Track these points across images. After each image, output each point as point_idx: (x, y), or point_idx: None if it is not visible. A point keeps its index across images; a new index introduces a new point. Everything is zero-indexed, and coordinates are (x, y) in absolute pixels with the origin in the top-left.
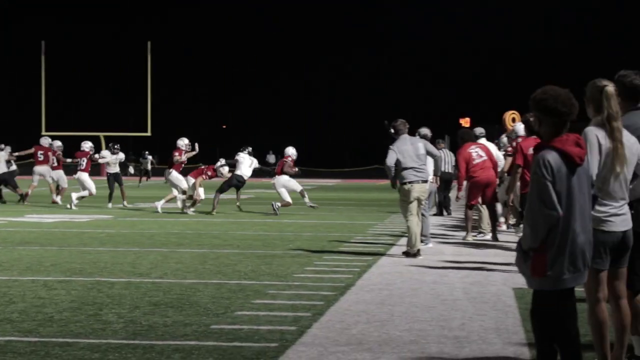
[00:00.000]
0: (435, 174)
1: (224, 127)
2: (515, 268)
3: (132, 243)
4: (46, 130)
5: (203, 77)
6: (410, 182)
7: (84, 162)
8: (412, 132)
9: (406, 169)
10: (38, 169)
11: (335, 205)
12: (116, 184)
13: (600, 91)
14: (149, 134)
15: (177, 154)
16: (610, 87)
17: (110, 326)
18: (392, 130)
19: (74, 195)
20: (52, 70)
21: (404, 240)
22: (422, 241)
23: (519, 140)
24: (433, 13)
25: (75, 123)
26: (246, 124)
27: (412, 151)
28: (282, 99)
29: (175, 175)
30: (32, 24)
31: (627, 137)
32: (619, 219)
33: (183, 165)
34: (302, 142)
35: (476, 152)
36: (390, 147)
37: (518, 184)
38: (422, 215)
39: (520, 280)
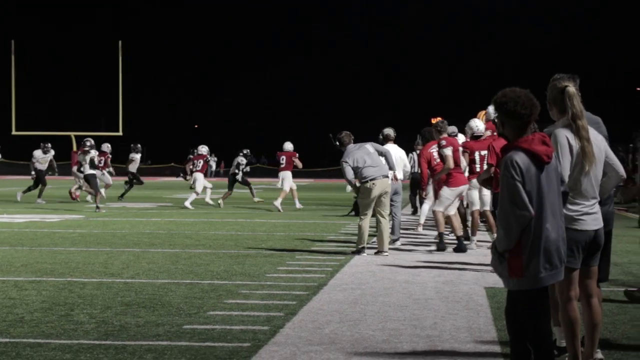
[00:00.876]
0: (391, 169)
1: (196, 126)
2: (487, 267)
3: (103, 243)
4: (16, 130)
5: (175, 77)
6: (371, 180)
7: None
8: (377, 133)
9: (364, 168)
10: (97, 172)
11: (308, 204)
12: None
13: (562, 91)
14: (120, 133)
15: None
16: (571, 87)
17: (82, 326)
18: (338, 143)
19: (103, 191)
20: (22, 70)
21: (376, 240)
22: (392, 240)
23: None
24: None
25: (46, 123)
26: (219, 123)
27: (363, 154)
28: (256, 98)
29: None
30: (1, 23)
31: (594, 135)
32: (591, 218)
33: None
34: (277, 141)
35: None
36: (343, 160)
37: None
38: (394, 215)
39: (491, 280)
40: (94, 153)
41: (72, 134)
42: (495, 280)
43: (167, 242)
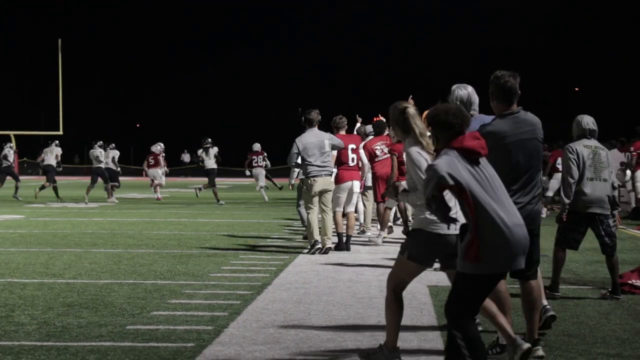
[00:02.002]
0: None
1: (138, 125)
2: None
3: (44, 243)
4: None
5: (115, 75)
6: (313, 177)
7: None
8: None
9: (310, 164)
10: (150, 171)
11: (251, 204)
12: None
13: (403, 112)
14: (60, 132)
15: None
16: (411, 108)
17: (23, 328)
18: (303, 120)
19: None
20: None
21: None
22: (362, 231)
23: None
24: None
25: None
26: (160, 122)
27: (317, 147)
28: (196, 96)
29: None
30: None
31: None
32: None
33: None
34: (220, 140)
35: (381, 148)
36: (295, 141)
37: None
38: (364, 204)
39: (434, 278)
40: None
41: (11, 132)
42: (438, 279)
43: (109, 242)
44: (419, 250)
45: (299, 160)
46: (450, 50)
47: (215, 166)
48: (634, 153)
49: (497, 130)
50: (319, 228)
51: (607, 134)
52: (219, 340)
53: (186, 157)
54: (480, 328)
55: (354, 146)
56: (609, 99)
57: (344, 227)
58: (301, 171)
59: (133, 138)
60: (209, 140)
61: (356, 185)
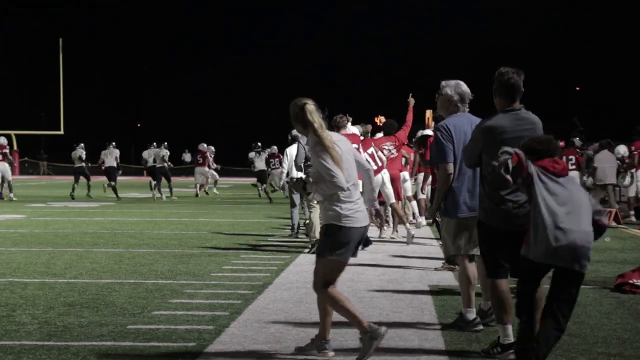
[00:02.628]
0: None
1: (139, 125)
2: (430, 265)
3: (45, 243)
4: None
5: (116, 75)
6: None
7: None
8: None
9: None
10: (198, 169)
11: (252, 204)
12: None
13: (302, 108)
14: (61, 132)
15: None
16: (310, 105)
17: (24, 327)
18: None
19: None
20: None
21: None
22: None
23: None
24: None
25: None
26: (162, 122)
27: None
28: (196, 96)
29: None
30: None
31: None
32: (362, 215)
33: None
34: (219, 140)
35: (389, 148)
36: (300, 142)
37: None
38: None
39: (435, 278)
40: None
41: (12, 132)
42: (439, 279)
43: (110, 242)
44: (333, 244)
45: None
46: (450, 50)
47: (264, 168)
48: (635, 152)
49: (497, 125)
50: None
51: (607, 133)
52: (220, 339)
53: (187, 157)
54: (480, 327)
55: (356, 146)
56: (610, 99)
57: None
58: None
59: (134, 138)
60: (259, 144)
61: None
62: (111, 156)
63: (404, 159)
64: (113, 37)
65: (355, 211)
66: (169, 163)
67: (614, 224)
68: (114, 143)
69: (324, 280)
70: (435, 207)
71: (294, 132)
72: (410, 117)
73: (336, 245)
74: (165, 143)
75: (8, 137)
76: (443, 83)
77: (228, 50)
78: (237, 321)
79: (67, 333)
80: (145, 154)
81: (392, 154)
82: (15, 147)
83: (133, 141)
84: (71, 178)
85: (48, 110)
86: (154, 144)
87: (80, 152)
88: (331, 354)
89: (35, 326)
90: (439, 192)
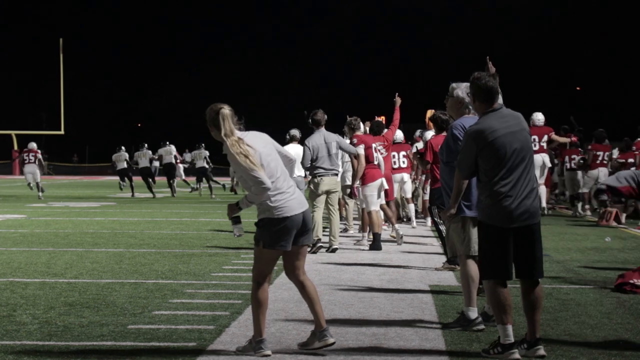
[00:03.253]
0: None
1: (139, 125)
2: (430, 265)
3: (46, 243)
4: None
5: (117, 75)
6: (320, 176)
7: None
8: (284, 132)
9: (317, 164)
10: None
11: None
12: None
13: (217, 113)
14: (62, 132)
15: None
16: (226, 109)
17: (25, 327)
18: (310, 121)
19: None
20: None
21: (324, 239)
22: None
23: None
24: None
25: None
26: (162, 122)
27: (324, 147)
28: (198, 96)
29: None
30: None
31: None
32: (295, 203)
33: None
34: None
35: (379, 149)
36: (305, 142)
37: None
38: (346, 203)
39: (436, 278)
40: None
41: (12, 132)
42: (439, 278)
43: (110, 242)
44: (269, 236)
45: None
46: (451, 50)
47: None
48: (637, 152)
49: (487, 127)
50: (328, 228)
51: (608, 133)
52: (221, 339)
53: (187, 157)
54: (482, 327)
55: (376, 145)
56: (611, 99)
57: (367, 225)
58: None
59: (135, 138)
60: None
61: (384, 182)
62: (145, 158)
63: (405, 160)
64: (114, 36)
65: (287, 200)
66: (211, 164)
67: (614, 224)
68: (146, 144)
69: (257, 271)
70: (452, 206)
71: (292, 131)
72: (397, 116)
73: (269, 236)
74: (203, 144)
75: (8, 137)
76: (454, 85)
77: (230, 49)
78: (238, 321)
79: (67, 333)
80: (138, 154)
81: (382, 154)
82: (15, 147)
83: (134, 141)
84: (72, 178)
85: (48, 110)
86: (167, 142)
87: (125, 155)
88: (332, 340)
89: (35, 326)
90: (457, 191)
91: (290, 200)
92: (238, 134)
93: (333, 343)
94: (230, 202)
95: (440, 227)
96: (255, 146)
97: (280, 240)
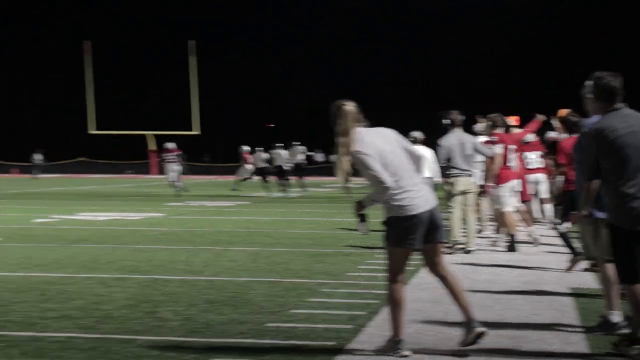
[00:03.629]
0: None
1: (271, 125)
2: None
3: (184, 241)
4: (93, 130)
5: (255, 76)
6: (454, 176)
7: None
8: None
9: (451, 165)
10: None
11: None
12: None
13: (338, 109)
14: (197, 132)
15: None
16: (347, 106)
17: (168, 323)
18: (447, 122)
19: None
20: (98, 70)
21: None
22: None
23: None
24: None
25: (123, 122)
26: (293, 122)
27: (459, 150)
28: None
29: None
30: (76, 23)
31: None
32: (422, 201)
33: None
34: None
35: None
36: (439, 143)
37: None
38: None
39: (576, 280)
40: None
41: (148, 133)
42: (580, 281)
43: (246, 241)
44: (396, 234)
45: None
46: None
47: None
48: None
49: (607, 125)
50: (464, 229)
51: None
52: (358, 339)
53: (319, 157)
54: (625, 330)
55: (514, 147)
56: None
57: (503, 226)
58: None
59: (268, 138)
60: None
61: (517, 184)
62: (296, 155)
63: (541, 160)
64: (250, 36)
65: (412, 199)
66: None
67: None
68: (299, 142)
69: (391, 271)
70: (583, 208)
71: (414, 133)
72: (534, 126)
73: (397, 234)
74: (299, 142)
75: (145, 137)
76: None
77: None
78: (375, 321)
79: (208, 330)
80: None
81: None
82: (154, 148)
83: (266, 142)
84: (205, 178)
85: (184, 111)
86: (299, 143)
87: (302, 148)
88: (481, 329)
89: (178, 322)
90: (585, 192)
91: (416, 198)
92: (361, 130)
93: (483, 332)
94: (359, 198)
95: (557, 227)
96: (375, 144)
97: (408, 239)
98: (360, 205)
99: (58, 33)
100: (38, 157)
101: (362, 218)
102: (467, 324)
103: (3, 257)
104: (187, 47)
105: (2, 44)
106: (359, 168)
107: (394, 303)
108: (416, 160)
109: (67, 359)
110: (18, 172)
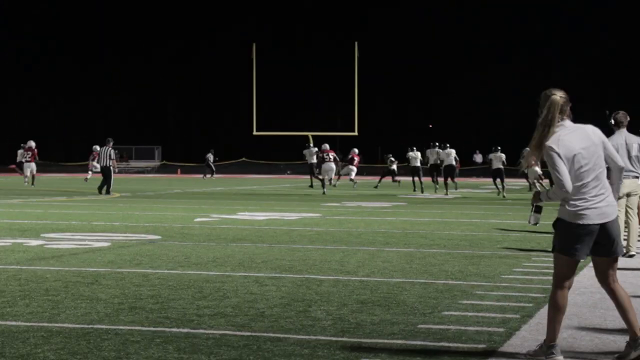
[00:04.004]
0: None
1: (430, 126)
2: None
3: (339, 241)
4: (257, 131)
5: (411, 77)
6: None
7: None
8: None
9: None
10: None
11: (545, 205)
12: None
13: (547, 98)
14: (356, 133)
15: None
16: (556, 96)
17: (319, 323)
18: (612, 122)
19: None
20: (262, 73)
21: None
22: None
23: None
24: None
25: (284, 123)
26: (451, 122)
27: (624, 150)
28: (486, 97)
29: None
30: (242, 28)
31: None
32: (595, 213)
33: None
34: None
35: None
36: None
37: None
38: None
39: None
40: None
41: (309, 134)
42: None
43: (401, 241)
44: (561, 240)
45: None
46: None
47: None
48: None
49: None
50: (626, 233)
51: None
52: (511, 342)
53: (478, 158)
54: None
55: None
56: None
57: None
58: None
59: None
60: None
61: None
62: (449, 157)
63: None
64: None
65: (586, 208)
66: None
67: None
68: (448, 145)
69: (557, 277)
70: None
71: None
72: None
73: (562, 241)
74: (437, 143)
75: (306, 137)
76: None
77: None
78: (529, 324)
79: (359, 330)
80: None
81: None
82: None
83: (424, 142)
84: (362, 178)
85: (343, 112)
86: (445, 144)
87: (417, 154)
88: None
89: (329, 322)
90: None
91: (593, 208)
92: (564, 125)
93: None
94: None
95: None
96: (570, 144)
97: (572, 248)
98: (537, 197)
99: (228, 35)
100: (210, 158)
101: (537, 209)
102: (632, 341)
103: (162, 255)
104: (353, 47)
105: (177, 46)
106: (547, 162)
107: (556, 308)
108: (615, 170)
109: (220, 356)
110: (179, 172)
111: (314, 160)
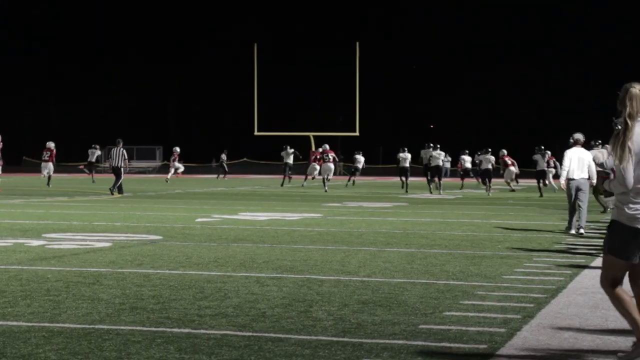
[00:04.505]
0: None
1: (432, 126)
2: None
3: (341, 242)
4: (258, 131)
5: (409, 78)
6: None
7: None
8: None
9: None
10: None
11: (544, 207)
12: None
13: (627, 91)
14: (357, 133)
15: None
16: (635, 89)
17: (320, 323)
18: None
19: None
20: (263, 72)
21: None
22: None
23: None
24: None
25: (285, 124)
26: (452, 123)
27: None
28: (486, 98)
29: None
30: (242, 28)
31: None
32: None
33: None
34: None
35: None
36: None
37: None
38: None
39: None
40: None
41: (310, 134)
42: None
43: (402, 242)
44: (612, 242)
45: None
46: None
47: (545, 167)
48: None
49: None
50: None
51: None
52: (512, 343)
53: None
54: None
55: None
56: None
57: None
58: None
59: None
60: (542, 147)
61: None
62: (439, 157)
63: None
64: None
65: None
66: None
67: None
68: (439, 146)
69: (606, 278)
70: None
71: (576, 135)
72: None
73: (615, 243)
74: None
75: (306, 138)
76: None
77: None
78: (530, 325)
79: (360, 330)
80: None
81: None
82: (313, 148)
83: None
84: (365, 179)
85: (344, 113)
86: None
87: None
88: None
89: (330, 322)
90: None
91: None
92: None
93: None
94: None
95: None
96: None
97: (623, 250)
98: (601, 182)
99: (228, 35)
100: (224, 158)
101: (607, 194)
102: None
103: (163, 255)
104: (354, 48)
105: (177, 46)
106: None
107: (622, 303)
108: None
109: (221, 356)
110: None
111: (290, 160)
